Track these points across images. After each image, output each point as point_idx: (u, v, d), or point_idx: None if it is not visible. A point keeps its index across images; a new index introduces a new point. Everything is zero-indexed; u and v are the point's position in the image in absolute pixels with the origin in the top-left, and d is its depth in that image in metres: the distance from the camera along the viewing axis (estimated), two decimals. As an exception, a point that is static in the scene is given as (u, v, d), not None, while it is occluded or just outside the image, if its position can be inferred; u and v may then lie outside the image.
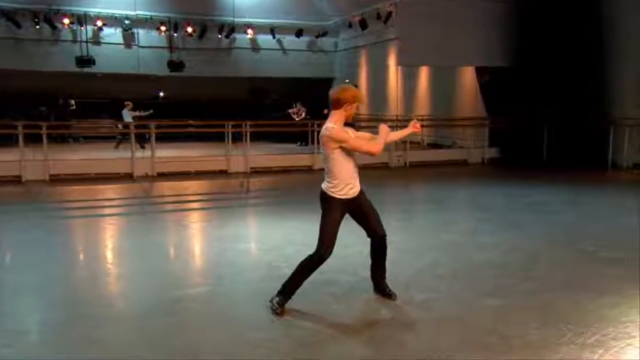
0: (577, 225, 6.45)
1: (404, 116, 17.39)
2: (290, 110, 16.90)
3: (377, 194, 9.61)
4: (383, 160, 12.91)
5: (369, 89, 21.35)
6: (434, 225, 6.88)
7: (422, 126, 15.04)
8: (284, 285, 3.99)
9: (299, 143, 16.14)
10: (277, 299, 3.96)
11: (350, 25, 19.35)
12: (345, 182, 3.84)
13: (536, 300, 4.05)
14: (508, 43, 12.88)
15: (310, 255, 3.94)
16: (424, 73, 17.84)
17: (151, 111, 15.88)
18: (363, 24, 17.80)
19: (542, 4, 12.15)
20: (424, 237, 6.12)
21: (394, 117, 16.82)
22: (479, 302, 4.04)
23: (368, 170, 12.38)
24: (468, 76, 15.13)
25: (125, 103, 16.06)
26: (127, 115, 15.59)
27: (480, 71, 13.91)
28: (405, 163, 12.88)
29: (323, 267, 4.94)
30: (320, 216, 3.96)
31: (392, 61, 18.09)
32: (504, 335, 3.49)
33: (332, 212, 3.85)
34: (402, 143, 13.67)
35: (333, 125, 3.72)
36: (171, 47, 19.59)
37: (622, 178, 10.70)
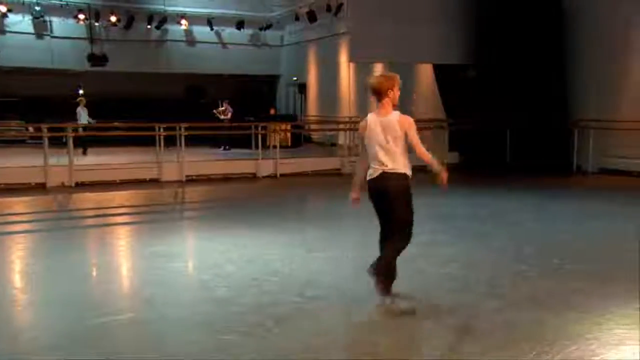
0: (541, 235, 6.68)
1: (359, 117, 17.54)
2: (215, 110, 16.69)
3: (328, 203, 9.73)
4: (335, 166, 12.99)
5: (318, 88, 21.49)
6: (390, 238, 6.97)
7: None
8: (379, 269, 4.32)
9: (223, 147, 16.04)
10: (381, 281, 4.33)
11: (297, 18, 19.45)
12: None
13: (498, 317, 4.14)
14: (468, 40, 13.32)
15: (401, 243, 4.46)
16: (378, 70, 18.09)
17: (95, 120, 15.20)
18: (311, 17, 17.94)
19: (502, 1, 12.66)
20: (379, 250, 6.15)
21: (347, 119, 16.97)
22: (437, 321, 4.09)
23: (318, 177, 12.49)
24: (426, 74, 15.50)
25: (79, 99, 15.35)
26: (84, 115, 14.85)
27: (437, 68, 14.25)
28: (360, 169, 12.98)
29: (266, 286, 4.90)
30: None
31: (343, 57, 18.28)
32: (464, 357, 3.54)
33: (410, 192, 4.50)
34: (356, 147, 13.79)
35: (401, 114, 4.43)
36: (92, 39, 18.99)
37: (587, 183, 11.24)
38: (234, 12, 20.38)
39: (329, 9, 17.50)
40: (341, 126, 16.15)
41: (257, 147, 12.51)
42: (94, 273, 5.74)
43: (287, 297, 4.61)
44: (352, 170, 12.73)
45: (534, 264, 5.49)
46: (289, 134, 16.80)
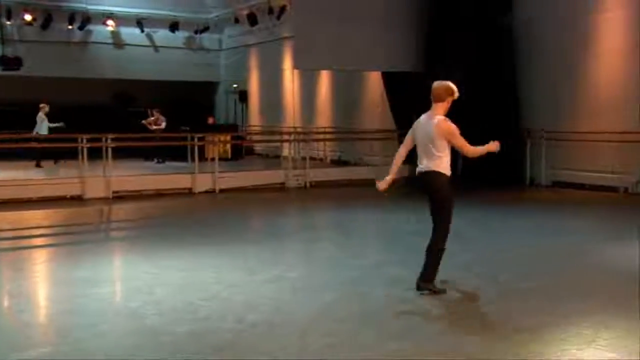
0: (491, 252, 6.94)
1: (304, 128, 17.75)
2: (145, 121, 16.47)
3: (270, 221, 9.78)
4: (278, 180, 13.05)
5: (261, 96, 21.54)
6: (336, 257, 7.06)
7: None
8: (425, 271, 5.22)
9: (155, 160, 15.88)
10: (426, 285, 5.18)
11: (237, 20, 19.50)
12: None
13: (444, 341, 4.29)
14: (418, 48, 13.73)
15: (439, 237, 5.26)
16: (324, 78, 18.38)
17: (62, 123, 14.65)
18: (252, 19, 18.02)
19: (453, 8, 13.14)
20: (324, 271, 6.25)
21: (291, 130, 17.11)
22: (382, 346, 4.19)
23: (261, 192, 12.51)
24: (375, 83, 15.85)
25: (41, 105, 14.73)
26: (44, 125, 14.26)
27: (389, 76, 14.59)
28: (305, 183, 13.11)
29: (203, 312, 4.89)
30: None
31: (287, 64, 18.44)
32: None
33: (448, 189, 5.24)
34: (302, 160, 13.94)
35: (445, 118, 5.12)
36: (3, 39, 18.34)
37: (539, 197, 11.76)
38: (167, 12, 20.22)
39: (270, 11, 17.64)
40: (285, 137, 16.25)
41: (193, 159, 12.41)
42: (6, 302, 5.55)
43: (226, 324, 4.61)
44: (297, 184, 12.94)
45: (482, 282, 5.70)
46: (229, 146, 16.83)
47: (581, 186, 11.81)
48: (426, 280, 5.23)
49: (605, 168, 11.56)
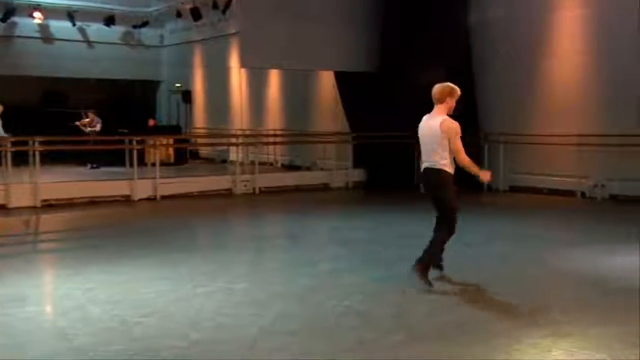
0: (449, 260, 7.01)
1: (253, 130, 17.67)
2: (78, 123, 16.10)
3: (216, 229, 9.66)
4: (225, 186, 12.93)
5: (206, 96, 21.36)
6: (287, 267, 7.04)
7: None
8: (423, 257, 5.74)
9: (89, 165, 15.57)
10: (420, 270, 5.67)
11: (179, 15, 19.24)
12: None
13: (402, 355, 4.30)
14: (373, 47, 13.86)
15: (443, 234, 5.84)
16: (275, 77, 18.35)
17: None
18: (195, 14, 17.82)
19: (409, 8, 13.31)
20: (273, 282, 6.21)
21: (239, 132, 17.01)
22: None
23: (206, 199, 12.36)
24: (328, 83, 15.90)
25: None
26: None
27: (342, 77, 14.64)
28: (254, 189, 13.03)
29: (141, 330, 4.76)
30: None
31: (234, 62, 18.32)
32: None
33: (451, 185, 5.81)
34: (251, 165, 13.86)
35: (448, 118, 5.73)
36: None
37: (497, 202, 12.02)
38: (100, 5, 19.77)
39: (215, 5, 17.50)
40: (233, 140, 16.12)
41: (132, 164, 12.16)
42: None
43: (167, 342, 4.50)
44: (245, 191, 12.84)
45: (441, 292, 5.77)
46: (171, 149, 16.62)
47: (539, 190, 12.14)
48: (422, 265, 5.73)
49: (563, 172, 11.92)
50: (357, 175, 14.31)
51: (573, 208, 11.04)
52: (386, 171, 13.76)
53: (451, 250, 6.26)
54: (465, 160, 5.69)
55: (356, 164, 14.33)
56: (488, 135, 13.00)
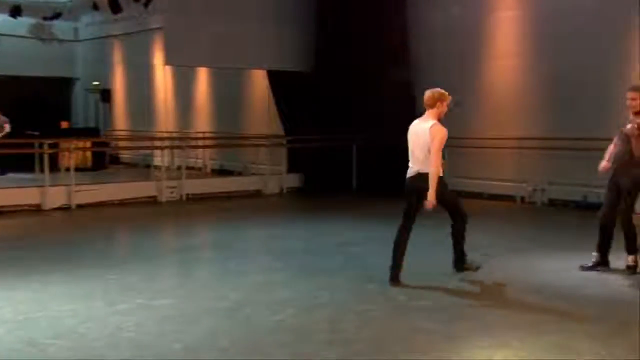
0: (386, 269, 7.12)
1: (180, 133, 17.43)
2: None
3: (138, 240, 9.44)
4: (149, 193, 12.69)
5: (128, 96, 20.97)
6: (215, 280, 6.95)
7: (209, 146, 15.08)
8: (458, 256, 6.58)
9: None
10: (463, 265, 6.57)
11: (96, 7, 18.71)
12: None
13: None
14: (307, 45, 13.92)
15: (459, 225, 6.50)
16: (204, 76, 18.18)
17: None
18: (114, 6, 17.36)
19: (345, 7, 13.44)
20: (201, 296, 6.12)
21: (165, 135, 16.73)
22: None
23: (128, 208, 12.07)
24: (261, 83, 15.87)
25: None
26: None
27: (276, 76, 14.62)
28: (182, 196, 12.85)
29: (51, 352, 4.59)
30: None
31: (158, 59, 18.04)
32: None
33: (444, 184, 6.35)
34: (178, 170, 13.65)
35: (437, 123, 6.21)
36: None
37: (436, 208, 12.27)
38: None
39: (137, -3, 17.15)
40: (158, 143, 15.83)
41: (43, 170, 11.75)
42: None
43: (114, 353, 4.44)
44: (171, 198, 12.62)
45: (380, 302, 5.83)
46: (89, 153, 16.32)
47: (479, 195, 12.47)
48: (462, 262, 6.53)
49: (503, 176, 12.30)
50: (293, 180, 14.32)
51: (512, 213, 11.39)
52: (323, 175, 13.83)
53: (384, 258, 6.37)
54: (435, 170, 6.09)
55: (291, 169, 14.34)
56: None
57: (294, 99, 14.40)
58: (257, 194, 13.77)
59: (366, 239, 8.94)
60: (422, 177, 6.18)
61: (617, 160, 6.65)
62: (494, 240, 8.73)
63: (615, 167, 6.67)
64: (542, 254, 7.85)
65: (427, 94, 6.34)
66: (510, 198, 12.09)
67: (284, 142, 14.64)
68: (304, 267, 7.30)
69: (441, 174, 6.23)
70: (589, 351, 4.58)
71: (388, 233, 9.49)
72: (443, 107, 6.29)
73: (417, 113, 13.04)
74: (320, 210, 11.70)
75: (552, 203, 11.69)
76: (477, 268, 6.58)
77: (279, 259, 7.79)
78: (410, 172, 6.35)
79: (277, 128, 15.07)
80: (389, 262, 6.35)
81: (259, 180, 14.10)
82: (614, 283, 6.49)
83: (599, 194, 10.46)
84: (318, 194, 13.51)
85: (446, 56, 12.98)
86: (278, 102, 14.87)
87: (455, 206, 6.49)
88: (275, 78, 14.62)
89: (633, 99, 6.52)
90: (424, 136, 6.17)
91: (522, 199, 12.05)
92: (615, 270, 6.78)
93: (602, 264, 6.84)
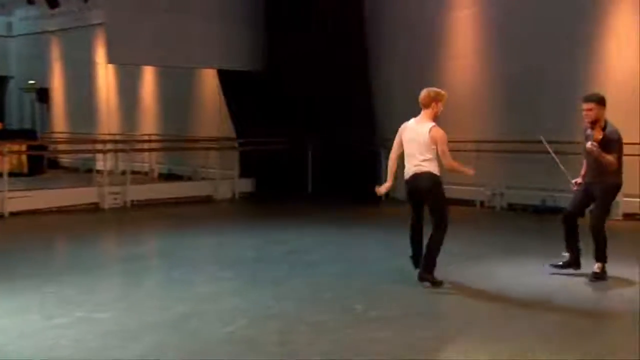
0: (344, 277, 7.14)
1: (124, 135, 17.19)
2: None
3: (77, 250, 9.25)
4: (91, 199, 12.48)
5: (67, 95, 20.62)
6: (161, 291, 6.88)
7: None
8: (427, 265, 6.50)
9: None
10: (429, 275, 6.48)
11: (31, 1, 18.33)
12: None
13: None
14: (257, 42, 13.89)
15: (439, 235, 6.49)
16: (150, 76, 17.97)
17: None
18: (51, 1, 17.02)
19: (298, 5, 13.45)
20: (145, 309, 6.04)
21: (107, 137, 16.46)
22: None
23: (68, 215, 11.83)
24: (212, 83, 15.76)
25: None
26: None
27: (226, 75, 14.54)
28: (126, 203, 12.67)
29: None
30: None
31: (100, 56, 17.78)
32: None
33: (442, 186, 6.57)
34: (122, 175, 13.44)
35: (435, 125, 6.47)
36: None
37: (396, 213, 12.34)
38: None
39: (75, -9, 16.86)
40: (100, 147, 15.57)
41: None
42: None
43: None
44: (115, 204, 12.44)
45: (336, 312, 5.84)
46: (24, 157, 16.00)
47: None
48: (427, 271, 6.47)
49: (462, 180, 12.43)
50: (245, 185, 14.26)
51: (470, 218, 11.54)
52: (277, 180, 13.81)
53: (346, 269, 6.38)
54: (452, 163, 6.49)
55: (243, 173, 14.27)
56: (385, 140, 13.34)
57: (245, 99, 14.33)
58: (207, 199, 13.66)
59: (320, 246, 8.96)
60: (421, 178, 6.41)
61: (588, 172, 6.82)
62: (453, 247, 8.84)
63: (589, 174, 6.81)
64: (501, 259, 8.00)
65: (423, 93, 6.49)
66: (470, 203, 12.26)
67: (236, 144, 14.57)
68: (255, 276, 7.28)
69: (439, 174, 6.48)
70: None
71: (342, 239, 9.57)
72: (439, 107, 6.47)
73: (376, 113, 13.46)
74: (274, 216, 11.68)
75: (512, 207, 11.91)
76: (441, 283, 6.49)
77: (228, 267, 7.74)
78: (407, 174, 6.55)
79: (228, 130, 14.99)
80: (344, 269, 6.39)
81: (209, 185, 13.99)
82: (574, 288, 6.65)
83: (557, 198, 10.86)
84: (272, 199, 13.47)
85: (405, 56, 13.12)
86: (229, 103, 14.78)
87: (443, 214, 6.55)
88: (226, 78, 14.54)
89: (589, 110, 6.65)
90: (423, 139, 6.38)
91: (482, 203, 12.24)
92: (582, 275, 6.90)
93: (574, 264, 6.95)
